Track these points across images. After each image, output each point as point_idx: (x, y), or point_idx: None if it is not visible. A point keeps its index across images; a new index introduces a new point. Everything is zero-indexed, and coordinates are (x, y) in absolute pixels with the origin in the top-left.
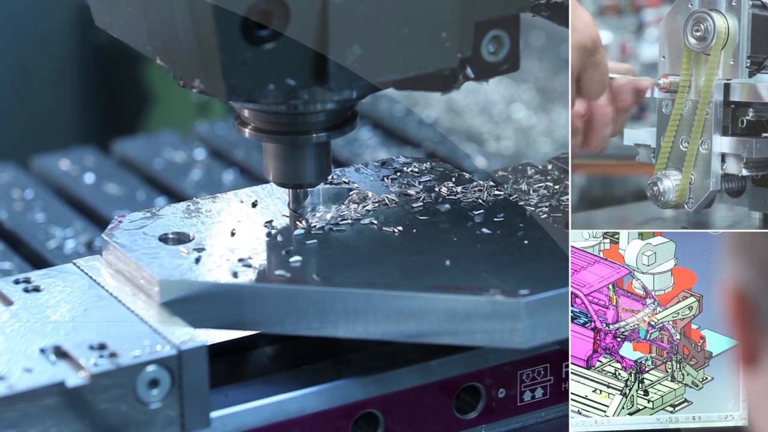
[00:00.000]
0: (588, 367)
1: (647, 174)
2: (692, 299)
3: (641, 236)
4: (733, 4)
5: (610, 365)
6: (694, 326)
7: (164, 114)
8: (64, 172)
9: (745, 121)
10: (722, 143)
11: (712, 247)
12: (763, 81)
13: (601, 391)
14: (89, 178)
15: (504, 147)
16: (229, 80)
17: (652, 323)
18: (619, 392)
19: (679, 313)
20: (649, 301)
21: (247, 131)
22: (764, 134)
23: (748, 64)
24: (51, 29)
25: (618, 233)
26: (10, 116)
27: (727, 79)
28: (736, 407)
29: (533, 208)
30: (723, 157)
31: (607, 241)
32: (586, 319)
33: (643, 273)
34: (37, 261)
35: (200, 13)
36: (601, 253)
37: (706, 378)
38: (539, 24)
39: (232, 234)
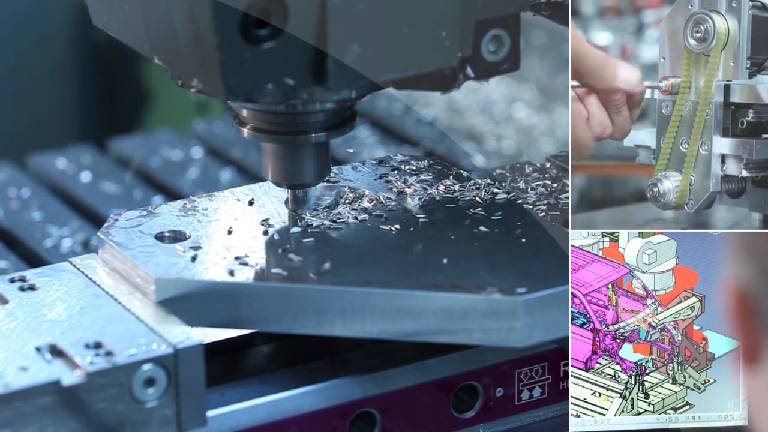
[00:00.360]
0: (587, 369)
1: (647, 175)
2: (694, 299)
3: (641, 234)
4: (733, 5)
5: (609, 367)
6: (696, 327)
7: (163, 113)
8: (60, 171)
9: (745, 122)
10: (722, 144)
11: (714, 246)
12: (763, 82)
13: (600, 393)
14: (86, 176)
15: (505, 147)
16: (227, 80)
17: (653, 324)
18: (618, 395)
19: (680, 314)
20: (649, 301)
21: (245, 131)
22: (764, 135)
23: (748, 65)
24: (49, 28)
25: (618, 231)
26: (8, 115)
27: (727, 81)
28: (736, 407)
29: (531, 207)
30: (723, 158)
31: (607, 239)
32: (585, 320)
33: (644, 272)
34: (34, 260)
35: (198, 12)
36: (601, 251)
37: (709, 380)
38: (540, 23)
39: (229, 232)
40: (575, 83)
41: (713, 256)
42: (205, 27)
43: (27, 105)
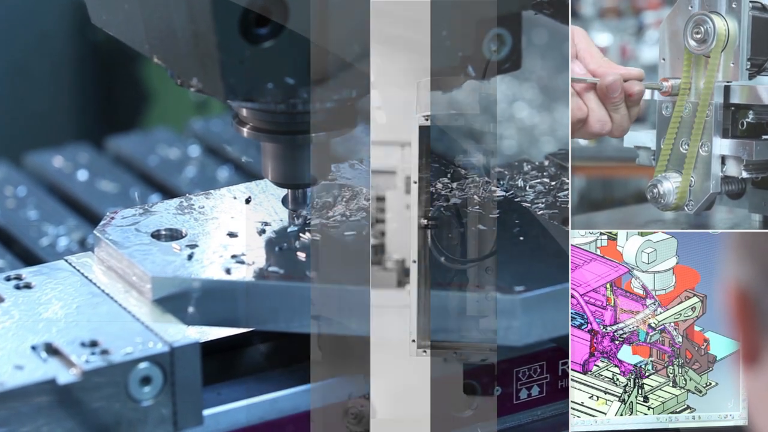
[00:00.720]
0: (584, 372)
1: (647, 176)
2: (695, 299)
3: (641, 233)
4: (733, 6)
5: (607, 370)
6: (697, 328)
7: (162, 112)
8: (57, 169)
9: (745, 123)
10: (722, 145)
11: (715, 245)
12: (763, 83)
13: (598, 397)
14: (82, 175)
15: (507, 146)
16: (227, 79)
17: (653, 325)
18: (617, 398)
19: (681, 314)
20: (649, 301)
21: (245, 130)
22: (764, 136)
23: (748, 66)
24: (47, 26)
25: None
26: (5, 113)
27: (727, 82)
28: (735, 407)
29: (529, 205)
30: (723, 159)
31: (605, 237)
32: (582, 321)
33: (643, 271)
34: (30, 258)
35: (198, 11)
36: (599, 250)
37: (710, 383)
38: (542, 22)
39: (226, 232)
40: (575, 77)
41: (714, 255)
42: (204, 26)
43: (25, 103)
